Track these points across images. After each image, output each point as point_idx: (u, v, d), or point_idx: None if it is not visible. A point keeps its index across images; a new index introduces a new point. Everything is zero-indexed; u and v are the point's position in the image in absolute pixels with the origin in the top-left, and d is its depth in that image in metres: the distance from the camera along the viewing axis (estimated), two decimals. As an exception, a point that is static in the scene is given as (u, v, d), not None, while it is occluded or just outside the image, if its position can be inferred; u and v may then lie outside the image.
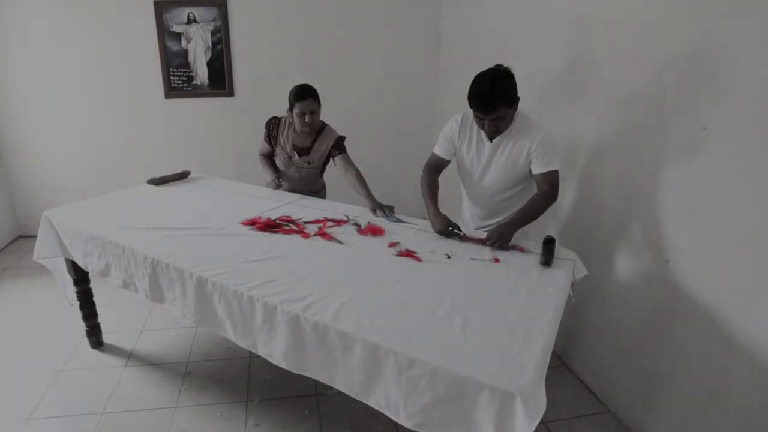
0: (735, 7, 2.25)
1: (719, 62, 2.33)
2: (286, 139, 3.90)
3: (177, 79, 5.72)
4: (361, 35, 5.89)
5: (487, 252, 2.78)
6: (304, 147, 3.88)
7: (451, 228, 3.01)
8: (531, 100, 3.93)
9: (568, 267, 2.64)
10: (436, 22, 5.96)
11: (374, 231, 3.05)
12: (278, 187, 3.95)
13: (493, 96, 2.71)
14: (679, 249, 2.63)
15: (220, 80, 5.78)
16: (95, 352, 3.84)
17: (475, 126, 3.03)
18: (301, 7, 5.69)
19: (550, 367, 1.90)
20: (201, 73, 5.74)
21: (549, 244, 2.60)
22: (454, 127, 3.17)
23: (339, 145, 3.85)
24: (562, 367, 3.70)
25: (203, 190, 4.00)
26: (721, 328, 2.39)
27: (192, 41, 5.58)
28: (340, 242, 2.92)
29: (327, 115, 6.17)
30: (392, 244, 2.85)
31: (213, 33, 5.58)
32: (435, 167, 3.30)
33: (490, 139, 3.01)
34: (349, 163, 3.81)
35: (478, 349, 1.89)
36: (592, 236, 3.33)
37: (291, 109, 3.71)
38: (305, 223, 3.22)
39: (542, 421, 1.76)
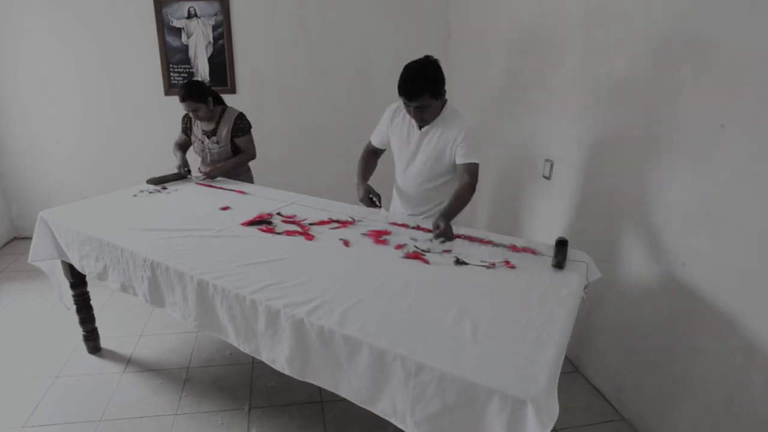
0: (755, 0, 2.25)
1: (738, 57, 2.33)
2: (197, 129, 4.40)
3: (177, 76, 5.73)
4: (366, 30, 5.89)
5: (497, 254, 2.78)
6: (210, 130, 4.33)
7: (371, 197, 3.26)
8: (542, 97, 3.94)
9: (581, 269, 2.62)
10: (445, 15, 5.96)
11: (378, 234, 3.05)
12: (184, 175, 4.35)
13: (418, 84, 2.98)
14: (695, 251, 2.63)
15: (222, 76, 5.79)
16: (93, 357, 3.85)
17: (407, 115, 3.22)
18: (304, 2, 5.70)
19: (562, 373, 1.90)
20: (202, 70, 5.75)
21: (562, 245, 2.59)
22: (387, 116, 3.47)
23: (238, 128, 4.30)
24: (575, 373, 3.70)
25: (204, 190, 4.01)
26: (740, 332, 2.38)
27: (193, 36, 5.59)
28: (345, 244, 2.92)
29: (331, 112, 6.18)
30: (399, 246, 2.85)
31: (214, 28, 5.60)
32: (371, 152, 3.62)
33: (420, 128, 3.25)
34: (247, 147, 4.38)
35: (489, 354, 1.88)
36: (605, 237, 3.33)
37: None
38: (309, 224, 3.23)
39: (554, 429, 1.76)
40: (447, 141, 3.19)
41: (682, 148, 2.66)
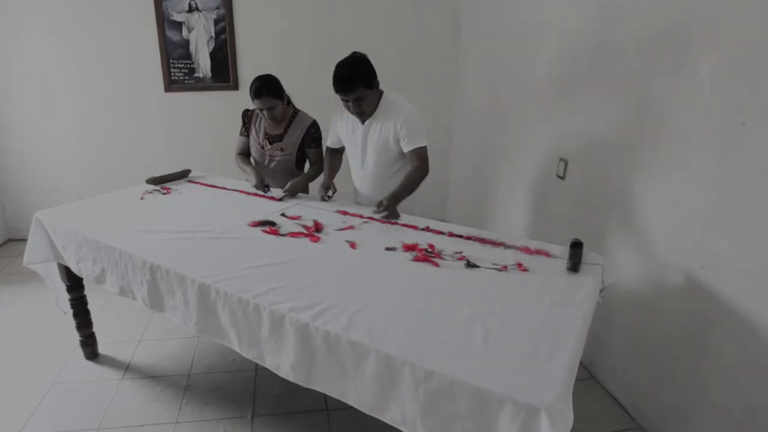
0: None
1: (760, 52, 2.32)
2: (258, 129, 4.12)
3: (177, 72, 5.75)
4: (374, 24, 5.90)
5: (510, 256, 2.78)
6: (276, 134, 4.07)
7: (328, 193, 3.75)
8: (555, 93, 3.94)
9: (596, 272, 2.62)
10: (455, 10, 5.96)
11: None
12: (266, 191, 3.94)
13: (350, 78, 3.26)
14: (715, 253, 2.63)
15: (224, 72, 5.81)
16: (90, 363, 3.86)
17: (350, 113, 3.52)
18: (310, -5, 5.72)
19: (577, 380, 1.90)
20: (203, 65, 5.77)
21: (576, 248, 2.59)
22: (334, 117, 3.79)
23: (312, 137, 4.04)
24: (590, 380, 3.70)
25: (205, 190, 4.03)
26: (762, 338, 2.38)
27: (194, 31, 5.61)
28: (352, 246, 2.92)
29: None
30: (408, 248, 2.85)
31: (216, 22, 5.62)
32: (331, 151, 3.98)
33: (362, 122, 3.55)
34: (318, 158, 4.08)
35: (501, 360, 1.88)
36: (621, 239, 3.33)
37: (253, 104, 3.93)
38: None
39: (569, 438, 1.77)
40: (388, 131, 3.48)
41: (701, 147, 2.66)
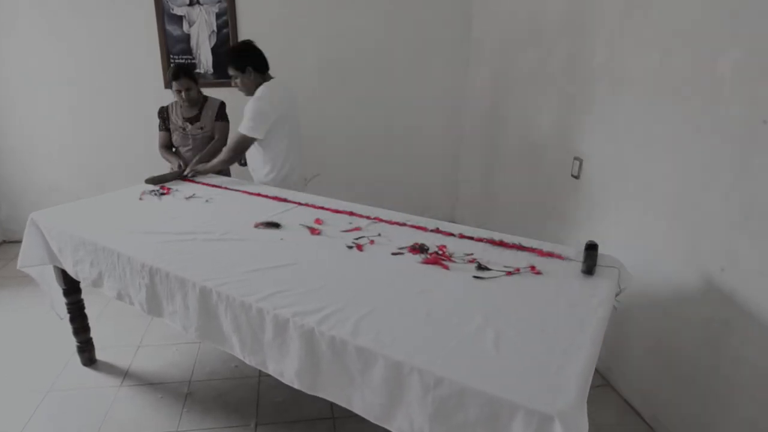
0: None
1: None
2: (177, 117, 4.72)
3: (178, 68, 5.72)
4: (381, 19, 5.89)
5: (522, 259, 2.77)
6: (193, 116, 4.69)
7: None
8: (570, 89, 3.93)
9: (612, 276, 2.61)
10: (467, 3, 5.96)
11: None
12: (181, 170, 4.45)
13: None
14: (736, 255, 2.62)
15: (226, 68, 5.75)
16: (87, 370, 3.87)
17: None
18: (315, -12, 5.72)
19: (592, 387, 1.89)
20: (205, 60, 5.79)
21: (591, 250, 2.58)
22: (273, 107, 4.16)
23: (221, 113, 4.74)
24: (606, 387, 3.69)
25: (206, 190, 4.02)
26: (786, 344, 2.37)
27: (195, 25, 5.63)
28: (359, 248, 2.92)
29: (343, 107, 6.16)
30: (415, 251, 2.85)
31: (218, 15, 5.63)
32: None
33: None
34: (223, 133, 4.73)
35: (513, 366, 1.88)
36: (638, 241, 3.32)
37: (171, 87, 4.58)
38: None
39: (584, 447, 1.76)
40: None
41: (722, 146, 2.65)
